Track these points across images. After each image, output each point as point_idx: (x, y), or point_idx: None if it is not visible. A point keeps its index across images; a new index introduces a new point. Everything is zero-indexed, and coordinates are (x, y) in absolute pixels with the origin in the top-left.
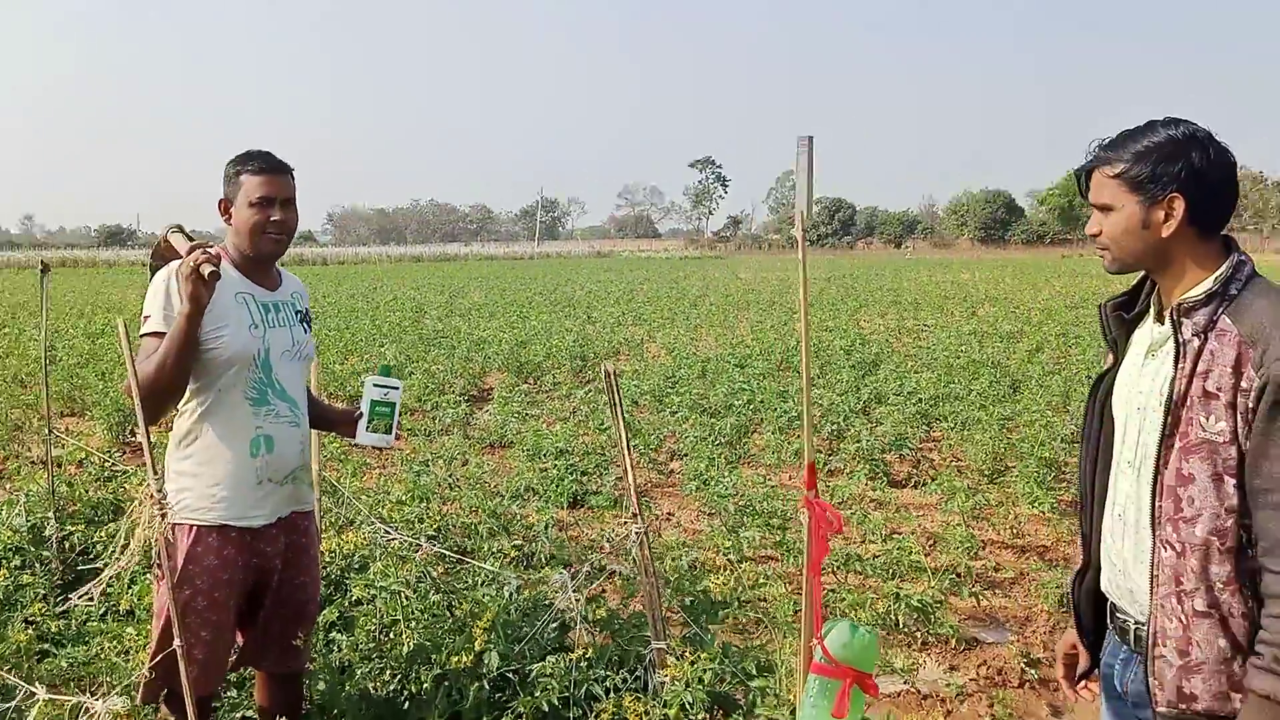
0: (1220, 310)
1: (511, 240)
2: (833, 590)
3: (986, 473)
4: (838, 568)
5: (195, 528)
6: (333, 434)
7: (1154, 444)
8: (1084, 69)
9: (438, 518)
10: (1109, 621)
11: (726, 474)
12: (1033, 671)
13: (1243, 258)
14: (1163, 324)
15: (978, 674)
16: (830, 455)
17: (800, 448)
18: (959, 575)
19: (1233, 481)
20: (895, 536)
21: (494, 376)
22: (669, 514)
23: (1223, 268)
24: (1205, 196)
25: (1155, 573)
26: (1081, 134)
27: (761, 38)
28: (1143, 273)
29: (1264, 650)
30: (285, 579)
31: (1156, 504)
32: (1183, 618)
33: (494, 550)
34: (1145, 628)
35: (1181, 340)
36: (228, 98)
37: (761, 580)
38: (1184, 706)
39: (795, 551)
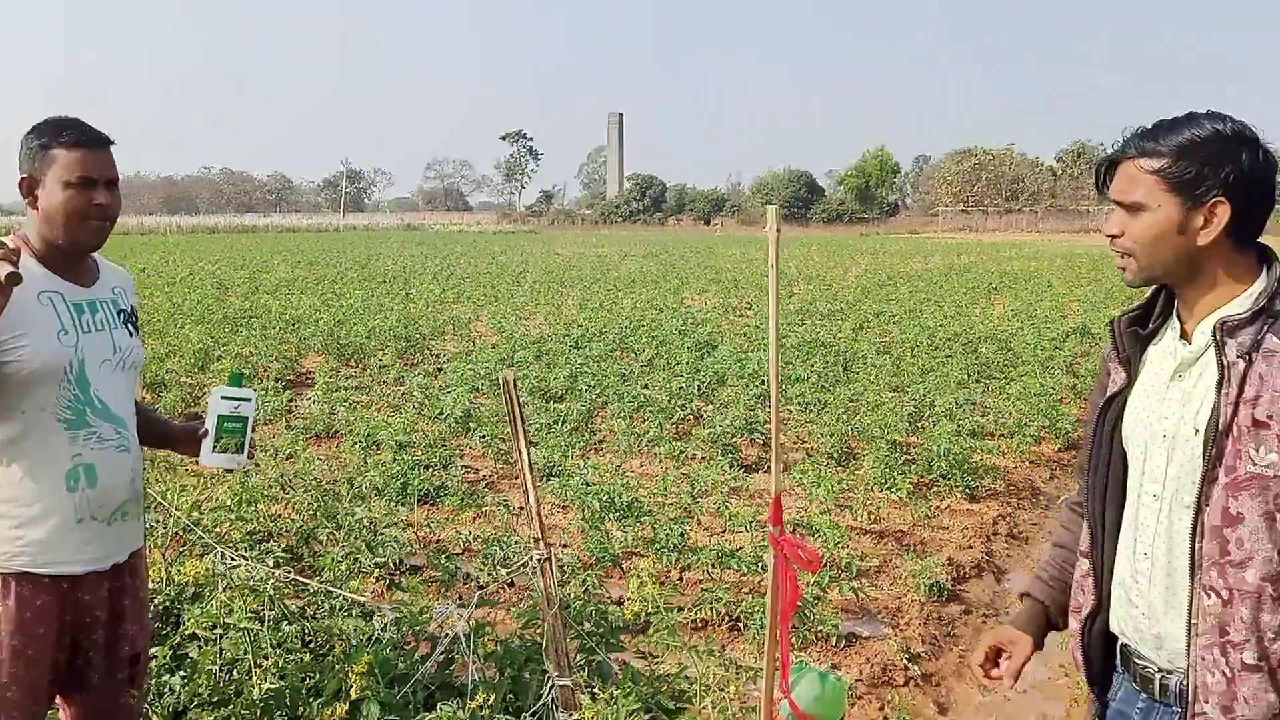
0: (1266, 329)
1: (314, 211)
2: (707, 590)
3: (835, 456)
4: (713, 565)
5: (0, 577)
6: (168, 452)
7: (1190, 478)
8: (883, 53)
9: (269, 522)
10: (1120, 665)
11: (580, 464)
12: (915, 667)
13: None
14: (1190, 342)
15: (862, 673)
16: (681, 441)
17: (652, 434)
18: (834, 568)
19: None
20: (760, 526)
21: (312, 359)
22: (520, 507)
23: (1262, 281)
24: (1250, 203)
25: (1194, 621)
26: (871, 115)
27: (574, 10)
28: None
29: None
30: (112, 631)
31: (1197, 546)
32: (1228, 671)
33: (347, 566)
34: (1173, 677)
35: (1226, 362)
36: None
37: (662, 602)
38: None
39: (666, 549)
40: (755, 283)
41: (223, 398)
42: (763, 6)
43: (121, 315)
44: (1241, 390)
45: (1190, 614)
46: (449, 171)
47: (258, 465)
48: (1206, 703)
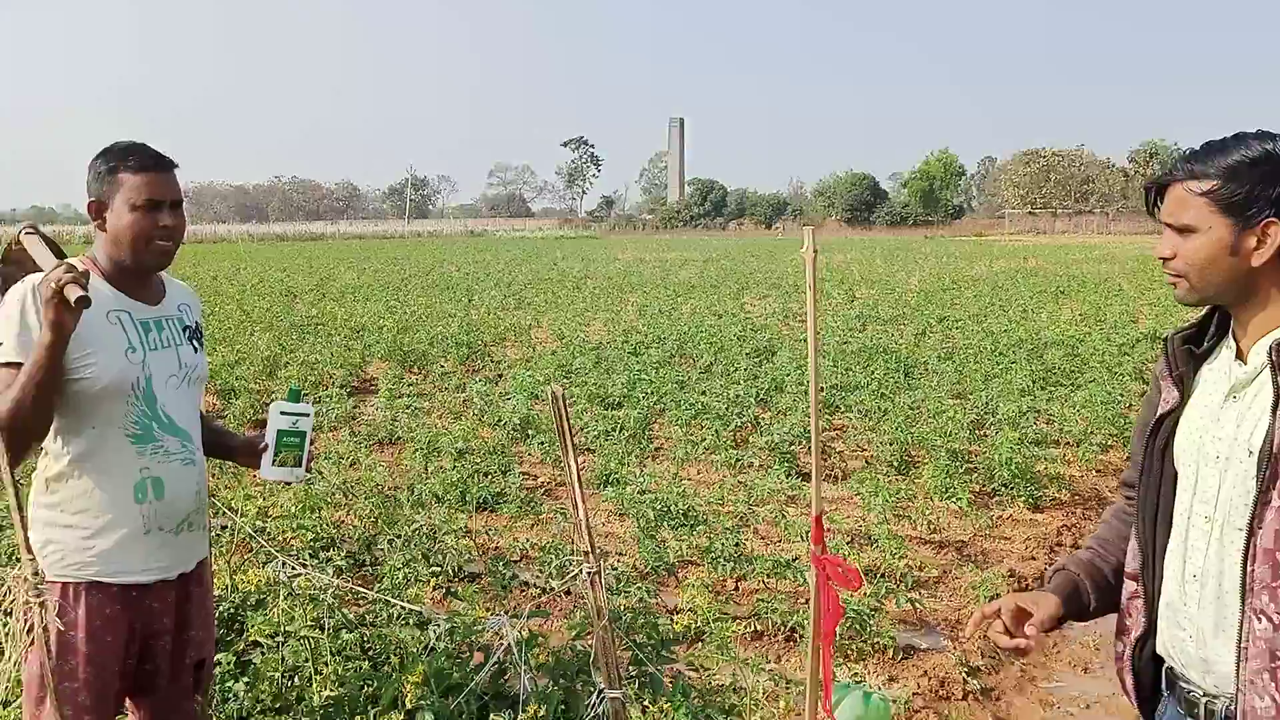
0: None
1: (380, 219)
2: (763, 600)
3: (895, 464)
4: (769, 574)
5: (71, 585)
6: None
7: (1242, 500)
8: (948, 53)
9: (331, 529)
10: (1165, 689)
11: (637, 472)
12: (974, 681)
13: None
14: (1246, 363)
15: (920, 686)
16: (738, 449)
17: (709, 442)
18: (891, 578)
19: None
20: None
21: (376, 366)
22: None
23: None
24: None
25: (1244, 645)
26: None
27: (633, 17)
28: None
29: None
30: (179, 638)
31: (1249, 569)
32: (1276, 696)
33: (406, 574)
34: (1219, 702)
35: None
36: (59, 60)
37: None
38: None
39: (722, 559)
40: (818, 287)
41: (281, 413)
42: (823, 10)
43: (187, 332)
44: None
45: (1240, 638)
46: (511, 178)
47: (320, 474)
48: None
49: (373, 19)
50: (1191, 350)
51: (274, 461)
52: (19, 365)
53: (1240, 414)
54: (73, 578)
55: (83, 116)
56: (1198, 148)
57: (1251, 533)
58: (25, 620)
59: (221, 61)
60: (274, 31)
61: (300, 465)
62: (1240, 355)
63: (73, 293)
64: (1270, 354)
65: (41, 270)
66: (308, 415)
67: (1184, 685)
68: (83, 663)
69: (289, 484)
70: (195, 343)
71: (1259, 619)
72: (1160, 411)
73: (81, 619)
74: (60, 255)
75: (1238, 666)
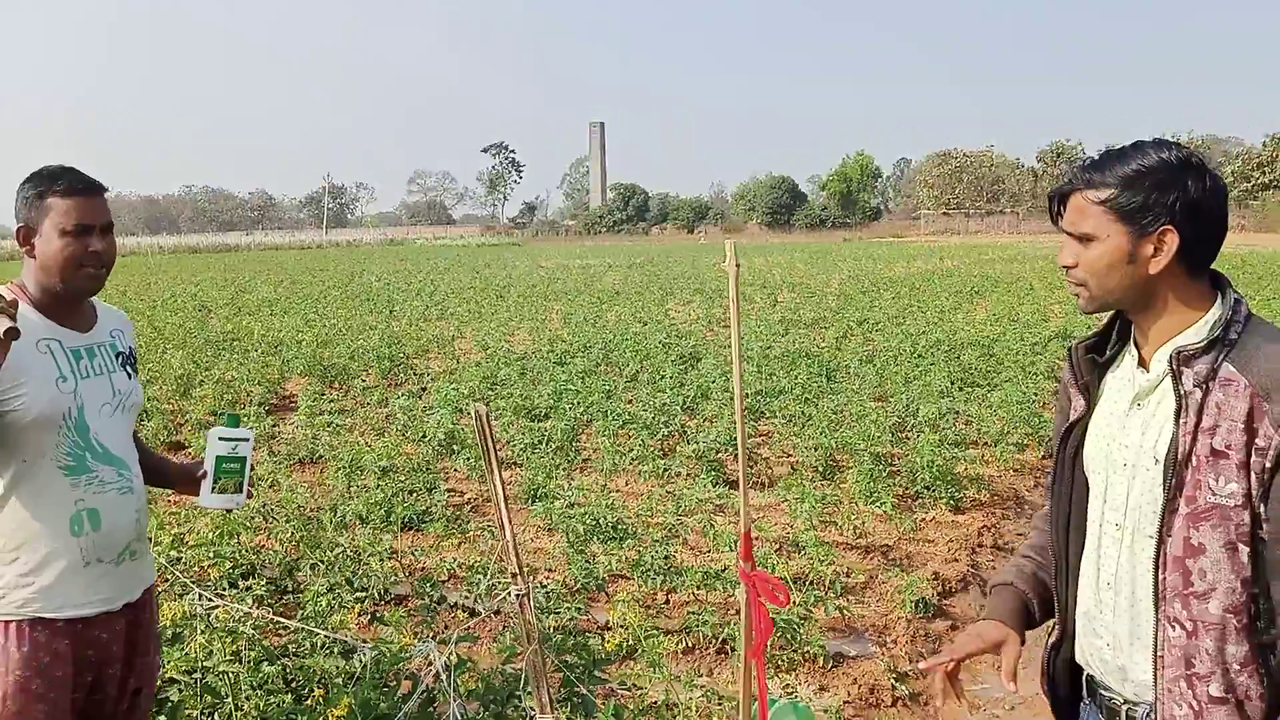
0: (1222, 357)
1: (297, 228)
2: (693, 612)
3: (820, 470)
4: (699, 586)
5: (14, 623)
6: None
7: (1150, 508)
8: (863, 56)
9: (251, 555)
10: (1086, 697)
11: (565, 484)
12: (903, 687)
13: (1238, 296)
14: (1148, 370)
15: (850, 694)
16: (666, 458)
17: (636, 452)
18: (820, 585)
19: (1246, 550)
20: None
21: (295, 382)
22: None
23: (1216, 309)
24: (1199, 230)
25: (1160, 654)
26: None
27: (553, 20)
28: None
29: None
30: (129, 667)
31: (1160, 577)
32: (1194, 704)
33: (329, 601)
34: (1139, 709)
35: (1183, 392)
36: None
37: (647, 629)
38: None
39: (651, 572)
40: (740, 291)
41: (220, 439)
42: (740, 13)
43: (120, 358)
44: (1200, 420)
45: (1156, 646)
46: (431, 185)
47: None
48: None
49: (285, 22)
50: (1095, 359)
51: (213, 489)
52: None
53: (1145, 421)
54: (15, 615)
55: None
56: (1096, 156)
57: (1161, 540)
58: None
59: (126, 67)
60: (179, 35)
61: (241, 491)
62: (1142, 363)
63: (1, 324)
64: (1170, 362)
65: None
66: (247, 440)
67: (1104, 693)
68: (31, 701)
69: (229, 510)
70: (129, 369)
71: (1173, 626)
72: (1070, 420)
73: (27, 657)
74: None
75: (1155, 674)
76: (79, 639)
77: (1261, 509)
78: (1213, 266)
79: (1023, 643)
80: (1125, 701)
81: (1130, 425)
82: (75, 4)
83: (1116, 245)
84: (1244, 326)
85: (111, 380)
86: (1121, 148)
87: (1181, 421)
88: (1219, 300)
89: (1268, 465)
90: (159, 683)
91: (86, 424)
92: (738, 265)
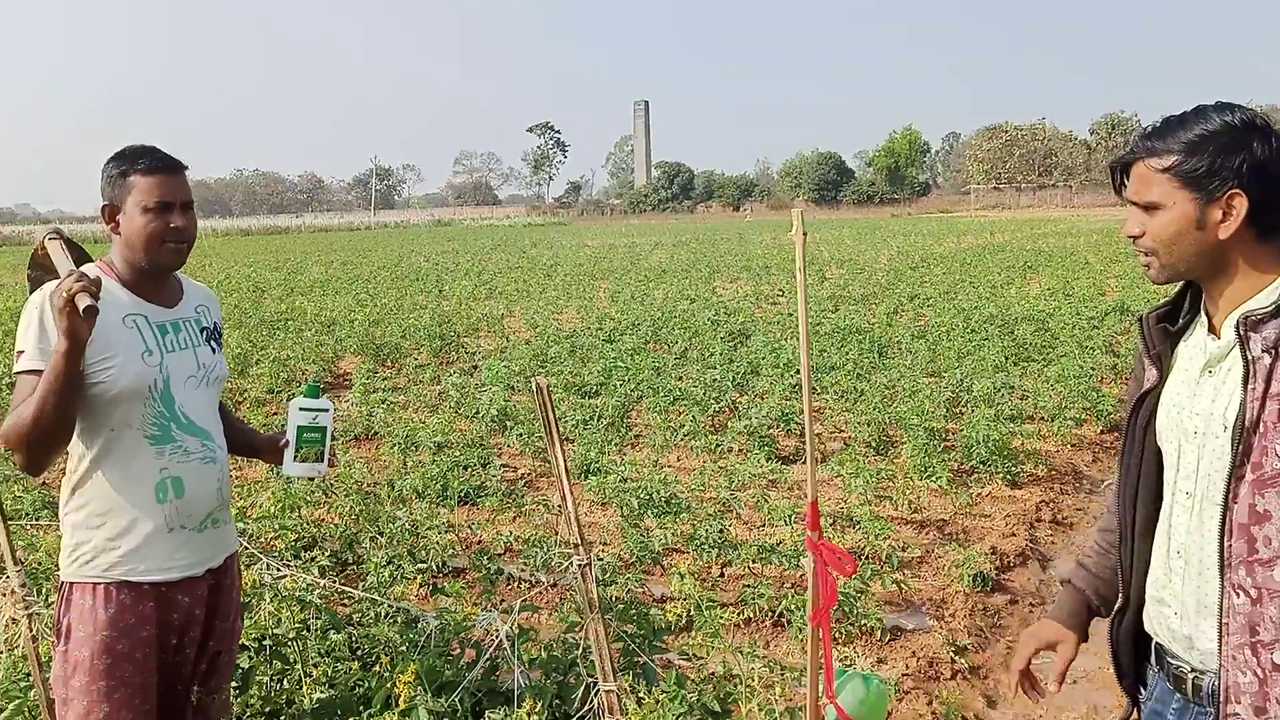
0: None
1: (345, 210)
2: (749, 586)
3: (874, 445)
4: (754, 560)
5: (101, 586)
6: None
7: (1219, 475)
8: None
9: (312, 528)
10: (1154, 665)
11: (617, 460)
12: (962, 660)
13: None
14: (1219, 337)
15: (908, 667)
16: (717, 434)
17: (688, 428)
18: (876, 560)
19: None
20: (800, 520)
21: (349, 361)
22: (559, 507)
23: None
24: (1269, 193)
25: (1225, 620)
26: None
27: (598, 1)
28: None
29: None
30: (209, 629)
31: (1226, 544)
32: (1259, 671)
33: (390, 572)
34: (1205, 678)
35: (1251, 357)
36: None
37: (704, 601)
38: None
39: (706, 545)
40: (786, 269)
41: (301, 409)
42: None
43: (205, 333)
44: (1269, 385)
45: (1221, 613)
46: (477, 165)
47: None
48: (1239, 703)
49: (331, 7)
50: (1167, 328)
51: (295, 457)
52: (40, 372)
53: (1215, 388)
54: (103, 578)
55: (36, 115)
56: (1158, 124)
57: (1227, 507)
58: (12, 625)
59: (177, 54)
60: (231, 22)
61: (322, 460)
62: (1214, 330)
63: (82, 301)
64: (1238, 328)
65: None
66: (327, 410)
67: (1171, 661)
68: (117, 660)
69: (312, 478)
70: (213, 343)
71: (1237, 594)
72: (1142, 389)
73: (114, 617)
74: (84, 259)
75: (1220, 642)
76: (163, 602)
77: None
78: None
79: (1083, 640)
80: (1192, 670)
81: (1201, 393)
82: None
83: (1183, 212)
84: None
85: (196, 354)
86: (1183, 113)
87: (1250, 387)
88: None
89: None
90: None
91: (172, 395)
92: (804, 234)
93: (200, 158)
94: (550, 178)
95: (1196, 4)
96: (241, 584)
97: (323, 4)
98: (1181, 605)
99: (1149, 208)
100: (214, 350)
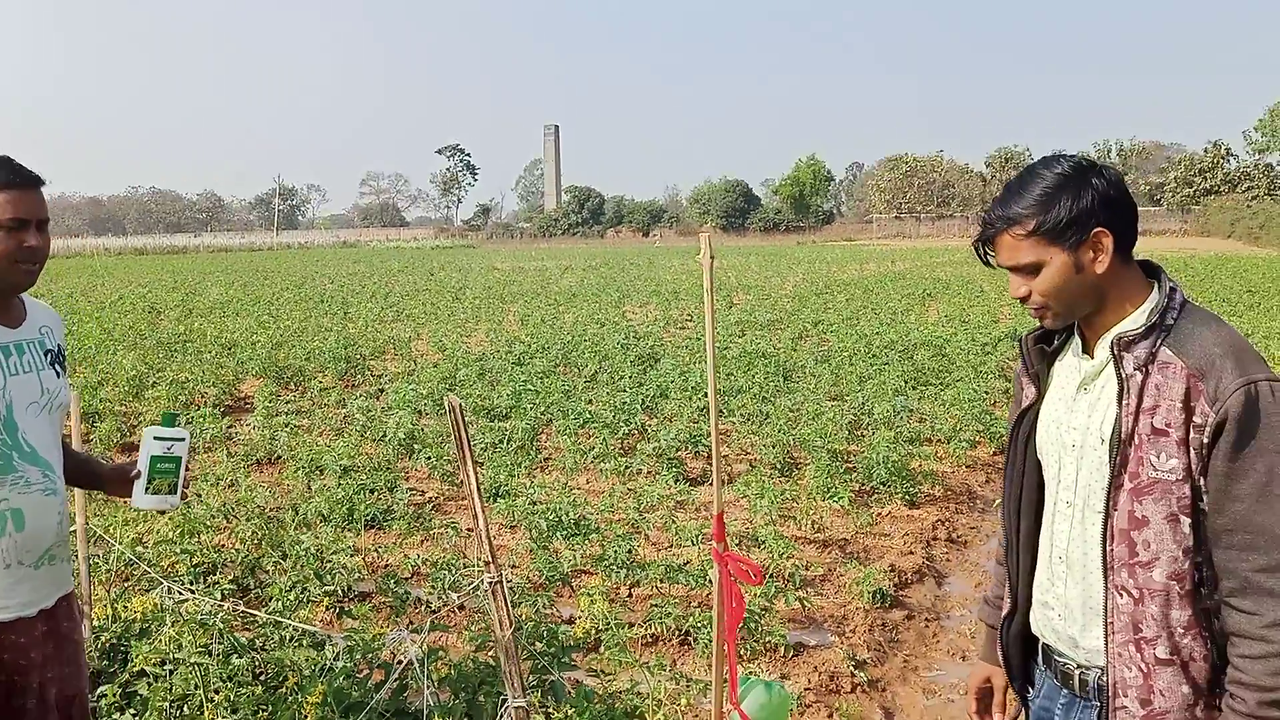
0: (1160, 341)
1: (247, 230)
2: (656, 605)
3: (779, 466)
4: (661, 580)
5: None
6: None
7: (1099, 485)
8: (816, 62)
9: (213, 553)
10: (1042, 664)
11: (526, 483)
12: (861, 674)
13: (1173, 284)
14: (1093, 357)
15: (810, 681)
16: (627, 456)
17: (597, 450)
18: (780, 578)
19: (1188, 521)
20: (707, 540)
21: (250, 383)
22: (468, 529)
23: (1153, 297)
24: (1122, 220)
25: (1110, 620)
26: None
27: (508, 23)
28: None
29: (1243, 694)
30: (49, 676)
31: (1108, 549)
32: (1143, 666)
33: (296, 596)
34: (1091, 673)
35: (1124, 375)
36: None
37: (612, 619)
38: None
39: (615, 566)
40: (695, 294)
41: (155, 438)
42: (695, 19)
43: (49, 355)
44: (1141, 401)
45: (1106, 613)
46: (384, 186)
47: (199, 496)
48: (1125, 696)
49: (234, 20)
50: (1044, 349)
51: (147, 489)
52: None
53: (1091, 404)
54: None
55: None
56: (1001, 195)
57: (1108, 515)
58: None
59: (69, 64)
60: (126, 33)
61: (175, 492)
62: (1087, 350)
63: None
64: (1111, 348)
65: None
66: (183, 440)
67: (1058, 659)
68: None
69: (163, 511)
70: (57, 367)
71: (1120, 595)
72: (1022, 407)
73: None
74: None
75: (1106, 640)
76: None
77: (1201, 482)
78: (1153, 261)
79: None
80: (1078, 666)
81: (1078, 409)
82: (15, 1)
83: (1062, 263)
84: (1179, 312)
85: (40, 378)
86: (1019, 178)
87: (1124, 403)
88: (1155, 288)
89: (1205, 441)
90: (127, 676)
91: (15, 422)
92: (712, 258)
93: (92, 173)
94: (459, 200)
95: (1084, 40)
96: (137, 608)
97: (227, 16)
98: (1065, 607)
99: (1028, 270)
100: (58, 374)
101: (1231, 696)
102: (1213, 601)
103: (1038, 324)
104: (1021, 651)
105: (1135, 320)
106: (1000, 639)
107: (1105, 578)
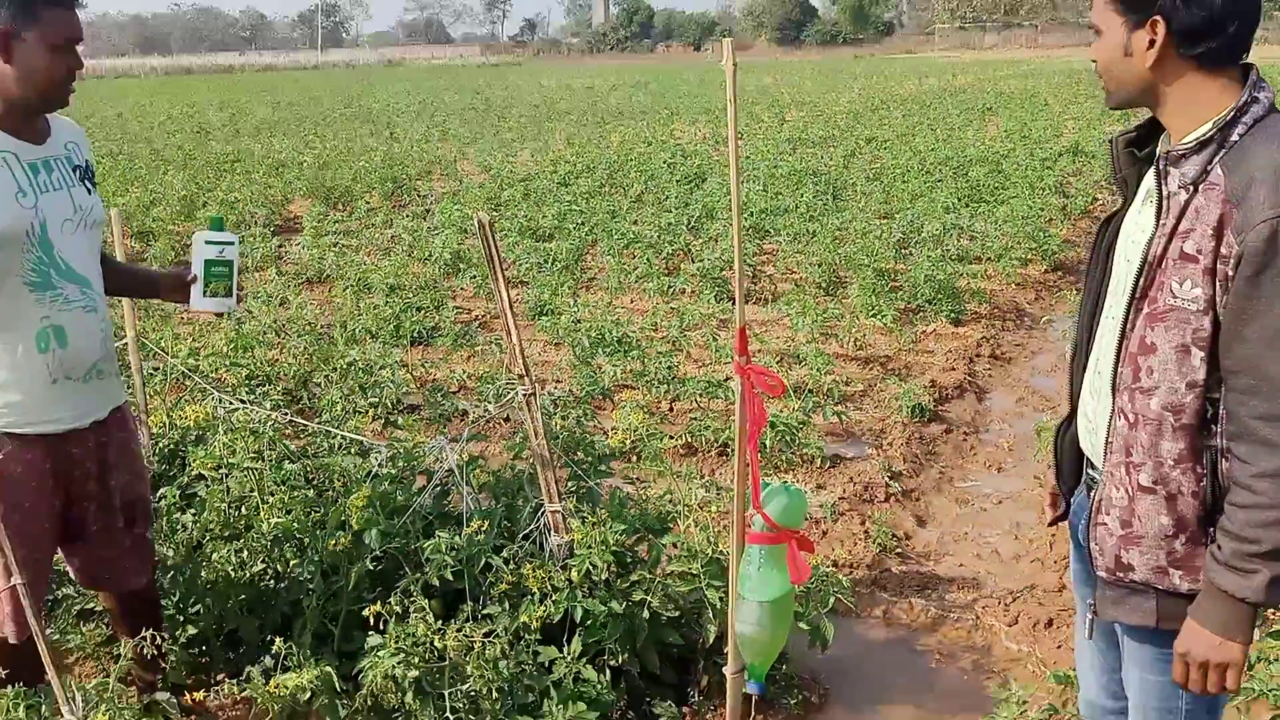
0: (1215, 159)
1: (291, 49)
2: (695, 419)
3: (823, 285)
4: (701, 394)
5: None
6: (160, 302)
7: (1125, 305)
8: None
9: (265, 367)
10: (1085, 472)
11: (570, 302)
12: (895, 484)
13: (1256, 95)
14: None
15: (845, 491)
16: (671, 276)
17: (641, 271)
18: (819, 394)
19: (1200, 354)
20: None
21: (299, 204)
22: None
23: (1227, 109)
24: (1194, 18)
25: (1109, 440)
26: None
27: None
28: None
29: (1224, 544)
30: (103, 483)
31: (1119, 369)
32: (1128, 489)
33: (344, 407)
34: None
35: (1166, 193)
36: None
37: (650, 430)
38: (1121, 575)
39: (656, 381)
40: (747, 110)
41: (207, 242)
42: None
43: (78, 172)
44: (1179, 223)
45: (1107, 433)
46: (429, 2)
47: (250, 313)
48: (1108, 515)
49: None
50: (1134, 153)
51: (204, 292)
52: None
53: (1145, 221)
54: None
55: None
56: None
57: (1123, 336)
58: None
59: None
60: None
61: (230, 295)
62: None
63: None
64: (1158, 162)
65: None
66: (233, 244)
67: (1088, 470)
68: (8, 509)
69: (220, 315)
70: (88, 183)
71: (1119, 417)
72: (1110, 212)
73: (4, 465)
74: None
75: (1104, 458)
76: (49, 453)
77: (1222, 317)
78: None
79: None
80: (1099, 480)
81: (1139, 222)
82: None
83: (1115, 38)
84: (1251, 127)
85: (72, 195)
86: None
87: (1160, 223)
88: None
89: (1229, 274)
90: (186, 479)
91: (50, 240)
92: (735, 65)
93: None
94: (505, 15)
95: None
96: (190, 418)
97: None
98: (1092, 420)
99: (1095, 31)
100: (89, 191)
101: (1214, 542)
102: (1212, 439)
103: (1125, 128)
104: (1073, 458)
105: (1198, 132)
106: (1055, 442)
107: (1113, 398)
